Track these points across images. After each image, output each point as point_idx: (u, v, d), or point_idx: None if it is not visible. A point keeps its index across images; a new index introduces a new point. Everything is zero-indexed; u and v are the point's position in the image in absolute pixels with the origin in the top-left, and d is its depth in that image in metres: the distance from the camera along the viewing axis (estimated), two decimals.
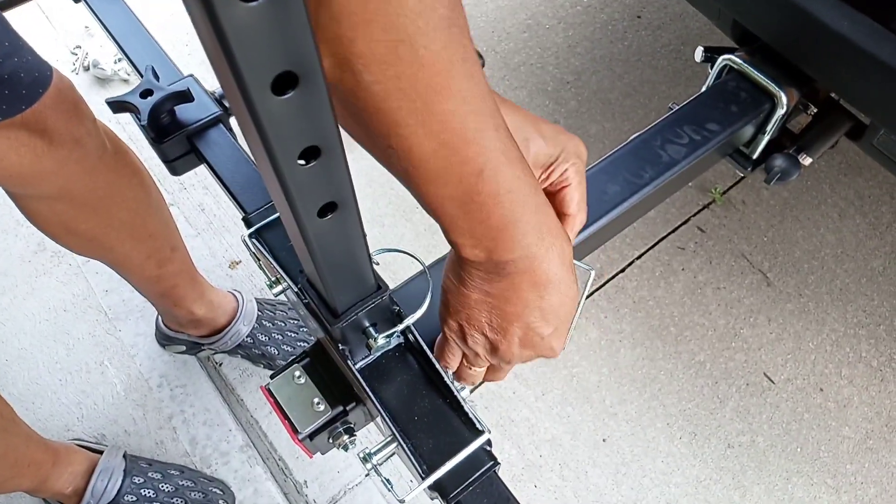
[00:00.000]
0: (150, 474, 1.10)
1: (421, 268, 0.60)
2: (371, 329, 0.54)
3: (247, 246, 0.64)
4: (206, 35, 0.24)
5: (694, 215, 1.48)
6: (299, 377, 0.63)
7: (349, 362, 0.55)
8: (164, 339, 1.26)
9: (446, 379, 0.55)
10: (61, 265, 1.40)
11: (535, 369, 1.32)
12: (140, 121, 0.73)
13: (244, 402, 1.28)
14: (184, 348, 1.26)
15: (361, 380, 0.55)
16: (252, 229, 0.64)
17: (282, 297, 1.33)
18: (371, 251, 0.55)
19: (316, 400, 0.62)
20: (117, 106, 0.74)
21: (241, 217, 0.68)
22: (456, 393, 0.55)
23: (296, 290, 0.56)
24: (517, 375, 1.30)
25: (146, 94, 0.74)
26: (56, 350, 1.30)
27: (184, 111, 0.77)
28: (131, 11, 0.92)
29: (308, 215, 0.37)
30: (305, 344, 1.26)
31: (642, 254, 1.44)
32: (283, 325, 1.27)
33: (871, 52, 0.68)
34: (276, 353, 1.24)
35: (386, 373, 0.57)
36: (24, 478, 0.97)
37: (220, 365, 1.30)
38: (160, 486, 1.09)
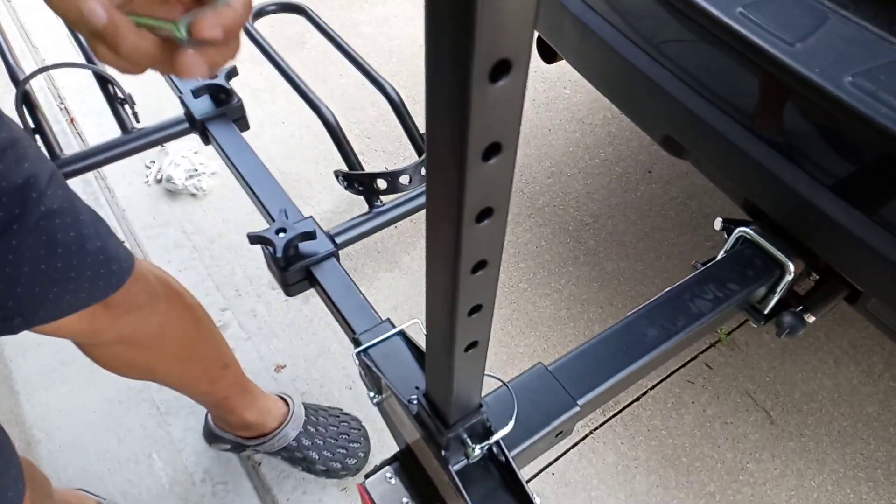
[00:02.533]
0: None
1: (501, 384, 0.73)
2: (468, 439, 0.66)
3: (356, 361, 0.78)
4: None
5: (702, 352, 1.62)
6: (390, 478, 0.74)
7: (449, 467, 0.66)
8: (211, 437, 1.35)
9: (526, 488, 0.67)
10: None
11: (556, 490, 1.39)
12: (274, 253, 0.89)
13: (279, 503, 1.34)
14: (229, 447, 1.34)
15: (459, 482, 0.66)
16: (361, 348, 0.78)
17: (324, 403, 1.43)
18: None
19: (405, 499, 0.73)
20: (256, 239, 0.90)
21: (351, 338, 0.82)
22: (532, 499, 0.66)
23: (405, 401, 0.69)
24: (541, 496, 1.38)
25: (280, 231, 0.90)
26: (107, 440, 1.37)
27: (305, 246, 0.93)
28: (258, 160, 1.11)
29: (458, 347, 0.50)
30: (344, 451, 1.35)
31: (655, 384, 1.56)
32: (325, 431, 1.36)
33: (860, 237, 0.85)
34: (317, 457, 1.32)
35: (475, 478, 0.68)
36: None
37: (259, 464, 1.38)
38: None
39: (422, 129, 1.11)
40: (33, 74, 1.04)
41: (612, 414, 1.51)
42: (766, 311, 0.98)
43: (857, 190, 0.85)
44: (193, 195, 1.88)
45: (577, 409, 0.78)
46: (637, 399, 1.54)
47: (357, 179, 1.03)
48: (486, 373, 0.77)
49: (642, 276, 1.76)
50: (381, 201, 1.07)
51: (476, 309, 0.47)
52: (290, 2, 1.29)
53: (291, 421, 1.30)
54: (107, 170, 1.96)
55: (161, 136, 1.15)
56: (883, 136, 0.77)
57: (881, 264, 0.83)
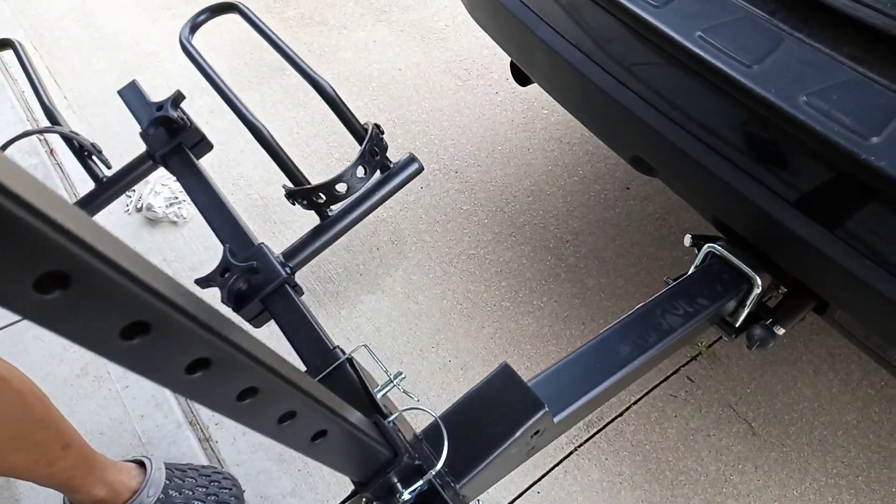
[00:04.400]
0: None
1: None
2: (398, 484, 0.66)
3: None
4: None
5: (683, 366, 1.63)
6: None
7: None
8: None
9: None
10: (101, 389, 1.50)
11: None
12: (221, 299, 0.90)
13: None
14: None
15: None
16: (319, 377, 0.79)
17: (195, 463, 1.38)
18: (388, 414, 0.70)
19: None
20: (202, 282, 0.91)
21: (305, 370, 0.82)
22: None
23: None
24: None
25: (225, 271, 0.91)
26: None
27: (259, 276, 0.94)
28: (214, 190, 1.11)
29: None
30: None
31: (638, 399, 1.57)
32: (190, 493, 1.28)
33: (823, 250, 0.88)
34: None
35: None
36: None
37: None
38: None
39: (362, 119, 1.11)
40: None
41: (595, 430, 1.51)
42: (737, 325, 1.00)
43: (817, 205, 0.88)
44: (174, 223, 1.88)
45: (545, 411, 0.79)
46: (620, 414, 1.55)
47: (298, 196, 1.04)
48: (419, 406, 0.78)
49: (623, 292, 1.78)
50: (332, 210, 1.07)
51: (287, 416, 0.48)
52: (221, 2, 1.25)
53: (147, 487, 1.22)
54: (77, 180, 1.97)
55: (131, 178, 1.15)
56: (837, 153, 0.80)
57: (844, 276, 0.86)
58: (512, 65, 1.55)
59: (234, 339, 0.39)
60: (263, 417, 0.46)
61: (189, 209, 1.91)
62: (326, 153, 2.17)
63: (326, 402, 0.50)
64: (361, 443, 0.59)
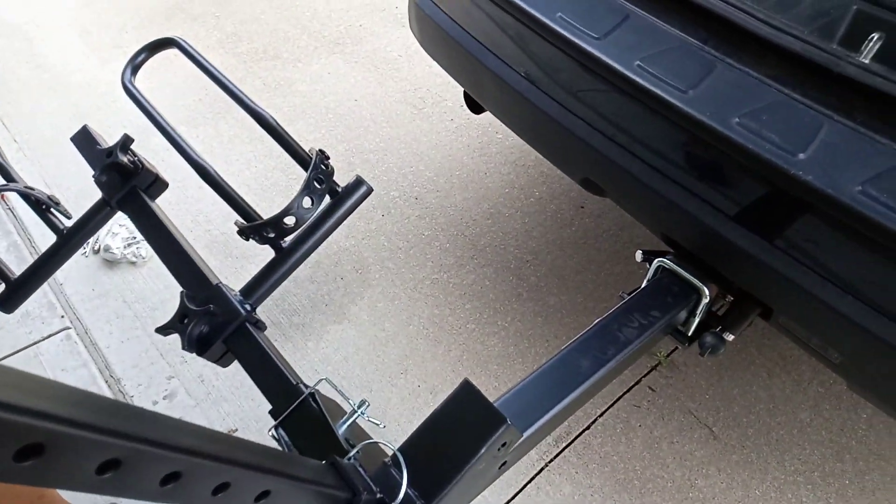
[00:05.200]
0: None
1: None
2: None
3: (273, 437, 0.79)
4: None
5: (644, 376, 1.69)
6: None
7: None
8: None
9: None
10: None
11: None
12: (182, 346, 0.90)
13: None
14: None
15: None
16: (273, 424, 0.80)
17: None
18: (350, 449, 0.71)
19: None
20: (163, 331, 0.92)
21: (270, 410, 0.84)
22: None
23: None
24: None
25: (183, 317, 0.92)
26: None
27: (217, 317, 0.94)
28: (169, 232, 1.10)
29: None
30: None
31: (604, 412, 1.62)
32: None
33: (762, 259, 0.94)
34: None
35: None
36: None
37: None
38: None
39: (306, 145, 1.12)
40: None
41: (564, 445, 1.55)
42: (689, 334, 1.05)
43: (755, 218, 0.94)
44: (133, 263, 1.86)
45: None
46: (587, 427, 1.58)
47: (249, 232, 1.04)
48: (379, 441, 0.79)
49: (583, 308, 1.83)
50: (286, 242, 1.06)
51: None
52: (159, 39, 1.25)
53: None
54: (43, 244, 1.93)
55: (91, 226, 1.15)
56: (769, 169, 0.86)
57: (782, 283, 0.92)
58: (465, 94, 1.61)
59: (142, 434, 0.38)
60: (195, 496, 0.45)
61: (148, 248, 1.89)
62: (286, 185, 2.18)
63: (265, 464, 0.50)
64: (313, 492, 0.60)
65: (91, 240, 1.90)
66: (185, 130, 2.33)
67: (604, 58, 1.01)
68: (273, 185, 2.18)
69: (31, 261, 1.22)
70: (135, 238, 1.85)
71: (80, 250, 1.90)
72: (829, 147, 0.85)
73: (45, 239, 1.99)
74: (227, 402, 1.58)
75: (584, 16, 1.06)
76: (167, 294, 1.80)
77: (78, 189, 2.10)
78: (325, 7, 2.98)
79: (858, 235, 0.82)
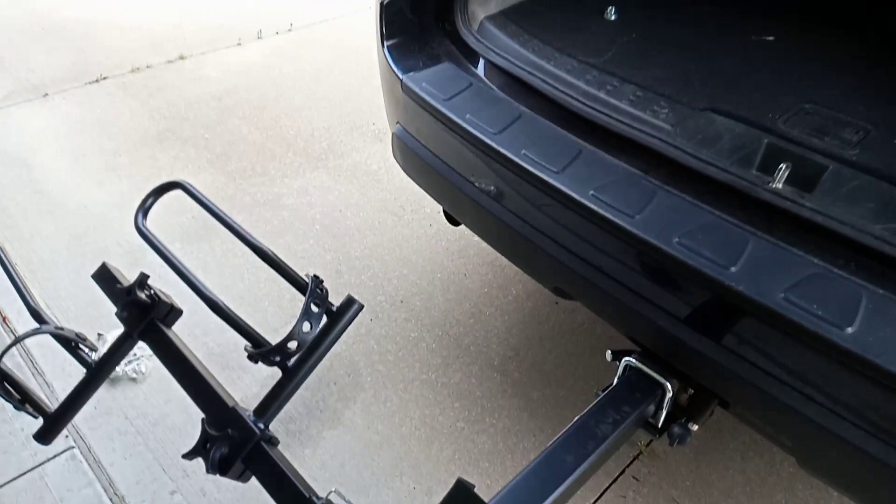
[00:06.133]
0: None
1: None
2: None
3: None
4: None
5: (628, 466, 1.77)
6: None
7: None
8: None
9: None
10: None
11: None
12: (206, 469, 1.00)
13: None
14: None
15: None
16: None
17: None
18: None
19: None
20: (190, 456, 1.02)
21: None
22: None
23: None
24: None
25: (206, 442, 1.02)
26: None
27: (234, 439, 1.04)
28: (187, 359, 1.22)
29: None
30: None
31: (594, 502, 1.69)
32: None
33: (711, 357, 1.08)
34: None
35: None
36: None
37: None
38: None
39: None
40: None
41: None
42: (658, 425, 1.17)
43: (702, 322, 1.08)
44: (133, 379, 1.93)
45: None
46: None
47: (257, 357, 1.17)
48: None
49: (565, 401, 1.93)
50: (291, 362, 1.17)
51: None
52: (166, 183, 1.40)
53: None
54: (45, 364, 2.00)
55: (117, 357, 1.26)
56: (707, 281, 1.01)
57: (731, 377, 1.05)
58: (444, 209, 1.78)
59: None
60: None
61: (148, 364, 1.97)
62: (277, 294, 2.30)
63: None
64: None
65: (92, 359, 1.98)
66: (180, 247, 2.47)
67: (563, 188, 1.18)
68: (266, 296, 2.30)
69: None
70: (135, 355, 1.94)
71: (82, 370, 1.98)
72: (756, 260, 1.01)
73: (39, 349, 2.07)
74: None
75: (545, 152, 1.24)
76: (167, 409, 1.87)
77: (77, 309, 2.20)
78: (307, 126, 3.22)
79: (787, 335, 0.97)
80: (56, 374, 1.96)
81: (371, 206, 2.72)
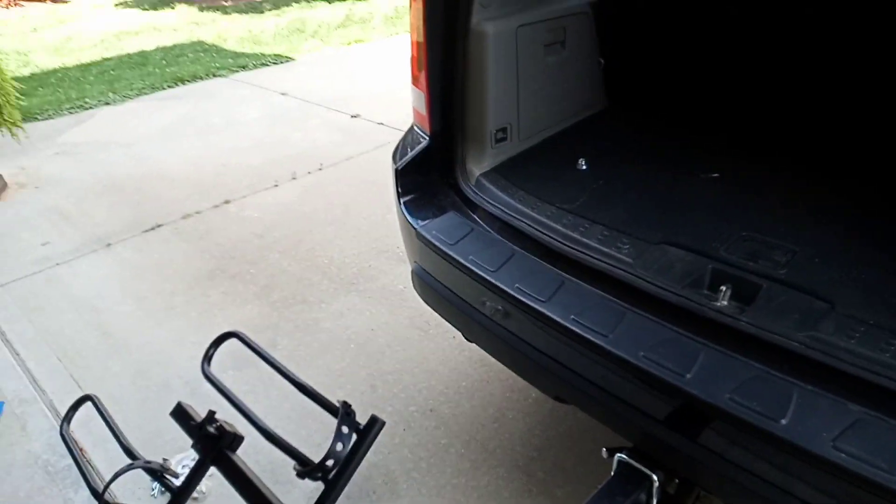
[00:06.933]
0: None
1: None
2: None
3: None
4: None
5: None
6: None
7: None
8: None
9: None
10: None
11: None
12: None
13: None
14: None
15: None
16: None
17: None
18: None
19: None
20: None
21: None
22: None
23: None
24: None
25: None
26: None
27: None
28: (252, 481, 1.48)
29: None
30: None
31: None
32: None
33: (686, 453, 1.29)
34: None
35: None
36: None
37: None
38: None
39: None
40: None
41: None
42: None
43: (674, 423, 1.31)
44: (195, 499, 2.17)
45: None
46: None
47: (304, 474, 1.42)
48: None
49: (586, 495, 2.10)
50: (330, 476, 1.44)
51: None
52: (225, 332, 1.72)
53: None
54: (115, 486, 2.25)
55: (195, 481, 1.52)
56: (668, 386, 1.25)
57: (700, 467, 1.26)
58: None
59: None
60: None
61: (208, 484, 2.21)
62: (320, 412, 2.54)
63: None
64: None
65: (156, 485, 2.23)
66: (232, 375, 2.76)
67: (550, 314, 1.45)
68: (309, 414, 2.55)
69: None
70: None
71: (149, 491, 2.23)
72: (706, 368, 1.25)
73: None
74: None
75: (534, 285, 1.53)
76: None
77: (145, 438, 2.47)
78: (339, 254, 3.59)
79: (737, 429, 1.19)
80: (126, 497, 2.21)
81: (399, 323, 3.01)
